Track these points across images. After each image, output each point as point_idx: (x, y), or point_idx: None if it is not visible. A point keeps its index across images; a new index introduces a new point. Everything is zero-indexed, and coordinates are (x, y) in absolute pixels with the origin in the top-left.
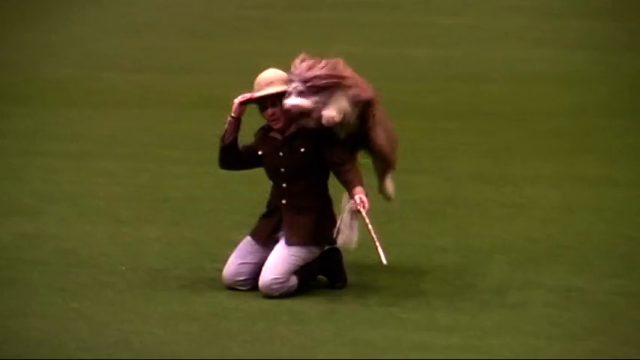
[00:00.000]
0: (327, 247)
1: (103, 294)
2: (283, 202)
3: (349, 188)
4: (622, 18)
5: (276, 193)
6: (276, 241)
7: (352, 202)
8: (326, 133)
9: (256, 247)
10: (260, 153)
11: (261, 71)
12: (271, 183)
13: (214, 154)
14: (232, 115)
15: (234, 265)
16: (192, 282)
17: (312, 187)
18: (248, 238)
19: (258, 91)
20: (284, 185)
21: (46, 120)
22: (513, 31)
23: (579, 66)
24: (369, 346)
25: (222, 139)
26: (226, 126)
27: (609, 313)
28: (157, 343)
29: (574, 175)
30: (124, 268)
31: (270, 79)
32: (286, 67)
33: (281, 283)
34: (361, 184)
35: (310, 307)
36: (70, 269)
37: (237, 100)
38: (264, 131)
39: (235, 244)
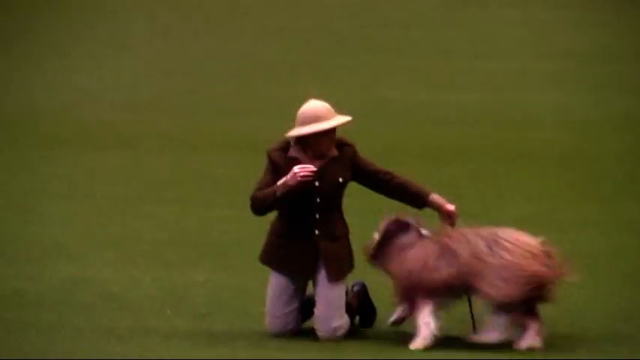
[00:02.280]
0: (356, 284)
1: (147, 338)
2: (317, 232)
3: (420, 192)
4: None
5: (305, 224)
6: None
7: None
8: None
9: (292, 286)
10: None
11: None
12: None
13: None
14: (290, 184)
15: (280, 314)
16: (238, 326)
17: (341, 214)
18: (282, 280)
19: (303, 123)
20: (317, 216)
21: (93, 164)
22: (562, 76)
23: (626, 111)
24: None
25: (274, 194)
26: (282, 189)
27: None
28: None
29: (620, 221)
30: (168, 312)
31: (317, 114)
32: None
33: (345, 327)
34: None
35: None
36: (115, 313)
37: (299, 174)
38: (292, 161)
39: None
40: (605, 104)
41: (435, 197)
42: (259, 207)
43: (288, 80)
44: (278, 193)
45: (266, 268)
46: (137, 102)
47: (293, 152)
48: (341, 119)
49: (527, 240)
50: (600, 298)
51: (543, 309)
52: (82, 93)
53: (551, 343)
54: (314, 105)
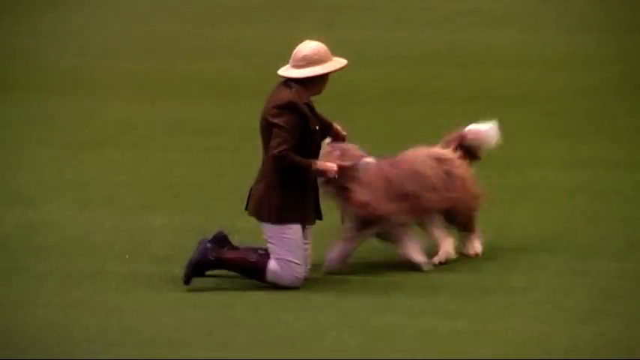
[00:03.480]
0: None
1: (107, 283)
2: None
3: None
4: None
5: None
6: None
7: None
8: None
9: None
10: (317, 128)
11: (265, 57)
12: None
13: (218, 141)
14: (327, 175)
15: (303, 261)
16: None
17: None
18: (299, 229)
19: (316, 62)
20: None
21: (51, 108)
22: (520, 14)
23: (585, 48)
24: (374, 332)
25: (308, 169)
26: (316, 172)
27: (614, 296)
28: (162, 330)
29: (579, 158)
30: (127, 256)
31: (327, 53)
32: (290, 53)
33: None
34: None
35: (315, 295)
36: (74, 258)
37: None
38: (309, 108)
39: (238, 231)
40: (562, 42)
41: (335, 125)
42: (290, 172)
43: (245, 23)
44: (312, 170)
45: (224, 212)
46: (95, 47)
47: (298, 95)
48: (341, 59)
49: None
50: (558, 234)
51: (501, 252)
52: (45, 37)
53: (508, 283)
54: (319, 45)
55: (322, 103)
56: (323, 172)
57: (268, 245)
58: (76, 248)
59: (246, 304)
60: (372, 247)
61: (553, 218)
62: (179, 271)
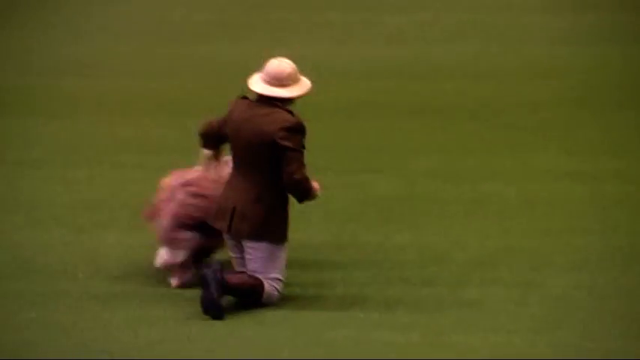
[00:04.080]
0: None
1: (61, 302)
2: None
3: None
4: (578, 10)
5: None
6: None
7: None
8: None
9: None
10: None
11: (218, 74)
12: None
13: (172, 158)
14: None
15: None
16: (152, 287)
17: None
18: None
19: (295, 81)
20: None
21: (2, 129)
22: (467, 28)
23: (533, 60)
24: (329, 346)
25: (311, 195)
26: (312, 195)
27: (568, 307)
28: (117, 349)
29: (531, 170)
30: (81, 275)
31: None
32: (244, 70)
33: None
34: None
35: (269, 310)
36: (26, 278)
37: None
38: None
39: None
40: (514, 54)
41: None
42: (301, 193)
43: (196, 39)
44: (310, 196)
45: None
46: (47, 66)
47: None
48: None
49: None
50: (512, 246)
51: (455, 264)
52: None
53: (462, 295)
54: (291, 62)
55: None
56: (316, 193)
57: (253, 266)
58: (28, 268)
59: (201, 322)
60: (325, 260)
61: (507, 231)
62: (133, 289)
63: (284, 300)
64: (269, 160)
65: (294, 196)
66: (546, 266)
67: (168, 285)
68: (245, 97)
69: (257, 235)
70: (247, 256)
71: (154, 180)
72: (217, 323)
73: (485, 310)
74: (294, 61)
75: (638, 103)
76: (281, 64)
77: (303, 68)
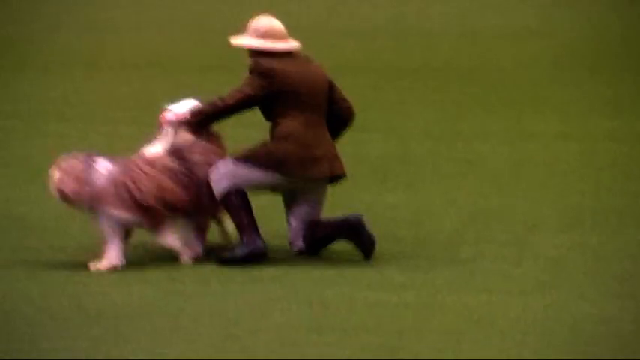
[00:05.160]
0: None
1: (55, 257)
2: None
3: None
4: None
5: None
6: None
7: None
8: None
9: None
10: None
11: (211, 32)
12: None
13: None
14: None
15: None
16: (147, 245)
17: None
18: None
19: (281, 38)
20: None
21: None
22: None
23: (529, 20)
24: (322, 304)
25: None
26: None
27: (562, 268)
28: (111, 305)
29: (524, 130)
30: (75, 230)
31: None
32: (236, 26)
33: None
34: None
35: (263, 268)
36: (21, 233)
37: None
38: None
39: None
40: (506, 14)
41: None
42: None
43: None
44: None
45: None
46: (42, 20)
47: None
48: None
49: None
50: (505, 206)
51: (449, 223)
52: None
53: (456, 254)
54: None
55: None
56: None
57: (318, 210)
58: (22, 223)
59: (195, 279)
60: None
61: (500, 190)
62: (128, 246)
63: (276, 259)
64: (327, 102)
65: (346, 129)
66: (540, 226)
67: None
68: (286, 53)
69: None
70: (320, 199)
71: (147, 135)
72: (211, 281)
73: (478, 270)
74: (290, 20)
75: (632, 63)
76: (274, 20)
77: (299, 28)
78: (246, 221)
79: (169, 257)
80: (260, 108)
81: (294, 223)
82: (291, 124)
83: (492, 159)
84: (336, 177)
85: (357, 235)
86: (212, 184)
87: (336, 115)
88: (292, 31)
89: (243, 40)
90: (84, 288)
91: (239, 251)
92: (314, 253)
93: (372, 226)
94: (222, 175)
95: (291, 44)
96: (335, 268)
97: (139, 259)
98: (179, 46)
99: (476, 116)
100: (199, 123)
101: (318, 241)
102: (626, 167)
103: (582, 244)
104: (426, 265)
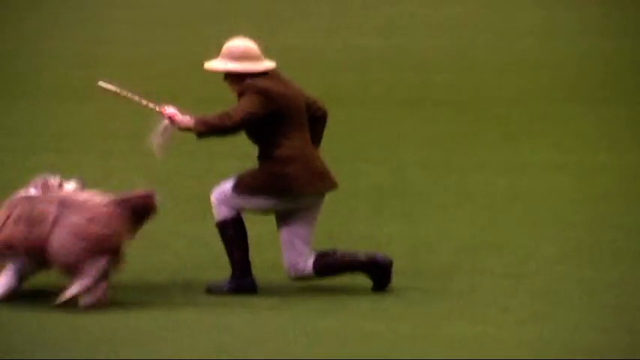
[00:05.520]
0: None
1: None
2: None
3: None
4: (569, 4)
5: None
6: None
7: None
8: None
9: None
10: None
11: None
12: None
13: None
14: None
15: None
16: (145, 273)
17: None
18: None
19: (256, 59)
20: None
21: None
22: (458, 20)
23: (523, 53)
24: (319, 335)
25: None
26: None
27: (557, 299)
28: (108, 332)
29: (519, 162)
30: None
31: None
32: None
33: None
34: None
35: (258, 298)
36: None
37: None
38: None
39: (185, 236)
40: (500, 47)
41: None
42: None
43: (190, 26)
44: None
45: (169, 215)
46: (37, 53)
47: None
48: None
49: (96, 200)
50: (500, 238)
51: (444, 255)
52: None
53: (451, 286)
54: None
55: None
56: None
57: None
58: None
59: (191, 310)
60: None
61: (495, 222)
62: (125, 275)
63: (271, 289)
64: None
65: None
66: (535, 258)
67: (161, 271)
68: (264, 73)
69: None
70: (317, 216)
71: (141, 167)
72: (206, 310)
73: (474, 301)
74: (285, 51)
75: (625, 97)
76: (248, 42)
77: (295, 58)
78: (238, 257)
79: (167, 285)
80: (253, 129)
81: (297, 243)
82: (291, 144)
83: (487, 190)
84: (330, 189)
85: (381, 276)
86: (213, 206)
87: (315, 119)
88: (286, 62)
89: (219, 64)
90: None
91: (226, 285)
92: (319, 278)
93: None
94: (223, 200)
95: (269, 64)
96: (330, 299)
97: (135, 285)
98: (175, 78)
99: (471, 148)
100: (201, 133)
101: (331, 269)
102: (621, 200)
103: (577, 277)
104: (421, 296)
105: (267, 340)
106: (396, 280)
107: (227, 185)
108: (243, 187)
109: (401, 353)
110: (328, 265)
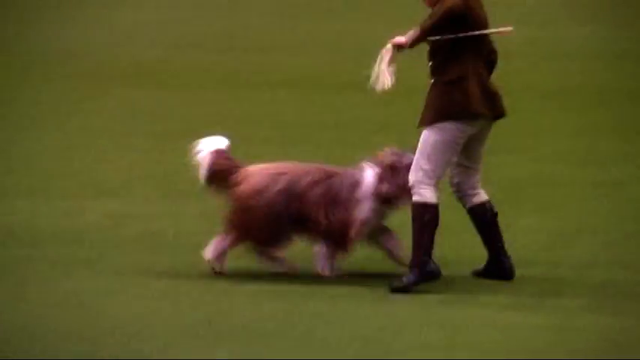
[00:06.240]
0: None
1: (189, 275)
2: None
3: None
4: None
5: None
6: None
7: None
8: None
9: None
10: None
11: (347, 51)
12: None
13: (300, 133)
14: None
15: None
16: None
17: None
18: None
19: None
20: None
21: (130, 101)
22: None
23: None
24: (455, 326)
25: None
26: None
27: None
28: (242, 322)
29: None
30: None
31: None
32: (368, 49)
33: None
34: None
35: (386, 290)
36: (155, 249)
37: None
38: None
39: None
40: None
41: None
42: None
43: (326, 17)
44: None
45: None
46: (178, 39)
47: None
48: None
49: None
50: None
51: (583, 247)
52: (121, 31)
53: (586, 279)
54: None
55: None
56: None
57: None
58: (157, 240)
59: (325, 297)
60: (445, 242)
61: (637, 215)
62: (253, 264)
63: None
64: None
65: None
66: None
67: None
68: None
69: None
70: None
71: (284, 154)
72: (340, 300)
73: (612, 294)
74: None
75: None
76: None
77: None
78: (428, 240)
79: (303, 274)
80: (435, 40)
81: (466, 162)
82: (469, 62)
83: (629, 182)
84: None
85: (499, 277)
86: (412, 188)
87: (488, 61)
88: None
89: None
90: (216, 306)
91: (410, 278)
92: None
93: (506, 249)
94: (420, 178)
95: None
96: (464, 290)
97: (270, 274)
98: (314, 66)
99: (612, 140)
100: (413, 44)
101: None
102: None
103: None
104: (558, 288)
105: (402, 331)
106: (531, 271)
107: (415, 155)
108: (430, 118)
109: (537, 344)
110: (483, 218)
